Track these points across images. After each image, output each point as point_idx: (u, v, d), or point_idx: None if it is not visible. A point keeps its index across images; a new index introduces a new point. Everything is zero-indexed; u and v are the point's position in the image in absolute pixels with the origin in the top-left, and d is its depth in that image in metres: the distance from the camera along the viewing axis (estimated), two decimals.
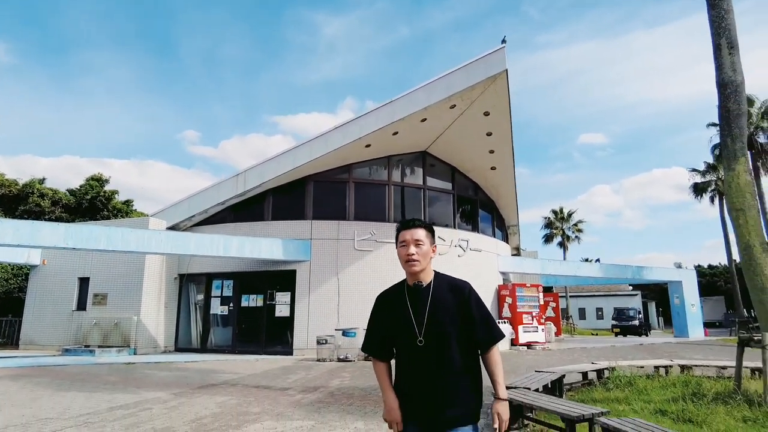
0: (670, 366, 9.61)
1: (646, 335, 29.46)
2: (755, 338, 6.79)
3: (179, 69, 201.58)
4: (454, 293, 2.40)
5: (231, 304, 15.93)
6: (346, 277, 15.24)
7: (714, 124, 27.74)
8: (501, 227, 22.30)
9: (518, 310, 17.65)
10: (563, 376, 7.90)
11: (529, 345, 17.72)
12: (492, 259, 19.11)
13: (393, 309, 2.39)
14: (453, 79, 14.55)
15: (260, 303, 15.67)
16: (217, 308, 16.13)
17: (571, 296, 44.65)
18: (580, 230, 43.22)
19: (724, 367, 9.39)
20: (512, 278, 21.31)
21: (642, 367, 9.48)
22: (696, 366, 9.86)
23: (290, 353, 14.73)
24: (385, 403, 2.31)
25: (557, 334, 24.23)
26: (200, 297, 16.49)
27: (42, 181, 24.51)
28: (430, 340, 2.26)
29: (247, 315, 15.87)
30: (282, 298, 15.37)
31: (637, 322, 30.47)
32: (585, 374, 8.98)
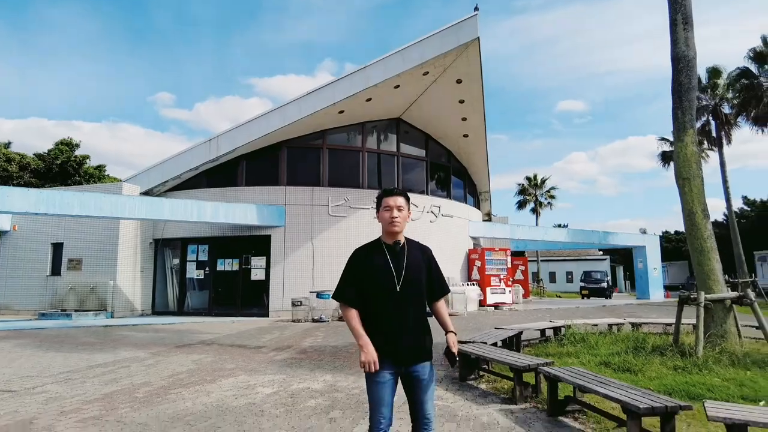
0: (622, 324, 10.32)
1: (610, 297, 30.57)
2: (692, 297, 7.40)
3: (149, 27, 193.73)
4: (422, 253, 2.88)
5: (207, 269, 16.18)
6: (320, 243, 15.59)
7: None
8: (473, 193, 22.80)
9: (487, 272, 18.34)
10: (521, 332, 8.49)
11: (496, 306, 18.51)
12: (463, 225, 19.65)
13: (372, 261, 2.75)
14: (426, 46, 14.63)
15: (236, 267, 15.95)
16: (193, 272, 16.37)
17: (542, 260, 46.00)
18: (552, 197, 44.19)
19: (669, 324, 10.11)
20: (483, 243, 21.96)
21: (596, 325, 10.15)
22: (645, 323, 10.61)
23: (266, 315, 15.15)
24: (362, 345, 2.62)
25: (525, 296, 25.21)
26: (176, 261, 16.68)
27: (7, 145, 23.89)
28: (406, 287, 2.71)
29: (222, 279, 16.17)
30: (257, 263, 15.68)
31: (605, 285, 31.45)
32: (543, 331, 9.62)
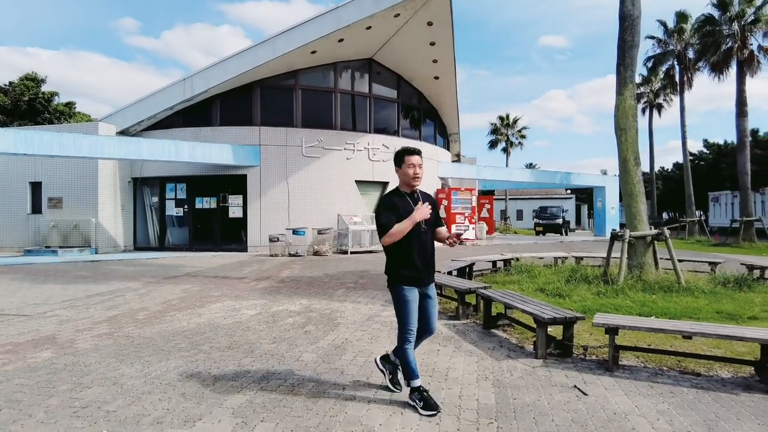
0: (566, 257, 11.61)
1: (566, 234, 31.31)
2: (620, 234, 8.56)
3: None
4: (430, 200, 3.62)
5: (185, 206, 16.84)
6: (295, 182, 16.31)
7: (652, 37, 28.96)
8: (443, 135, 23.54)
9: (452, 211, 19.52)
10: (473, 264, 9.63)
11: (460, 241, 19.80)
12: (432, 166, 20.51)
13: (402, 206, 3.47)
14: None
15: (214, 205, 16.65)
16: (173, 210, 17.02)
17: (510, 199, 47.65)
18: (523, 136, 45.09)
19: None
20: (451, 183, 22.98)
21: (542, 258, 11.41)
22: (588, 257, 11.93)
23: (245, 250, 16.07)
24: (412, 218, 3.35)
25: (489, 232, 26.67)
26: (155, 199, 17.25)
27: None
28: (428, 227, 3.53)
29: (201, 216, 16.89)
30: (234, 201, 16.39)
31: (560, 221, 31.38)
32: (494, 263, 10.82)
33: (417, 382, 3.50)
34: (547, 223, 31.40)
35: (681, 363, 4.53)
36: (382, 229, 3.40)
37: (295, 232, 15.27)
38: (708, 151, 44.80)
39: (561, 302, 7.13)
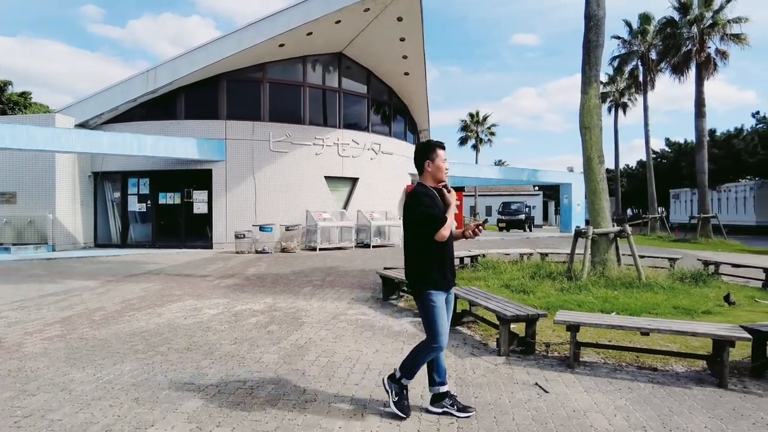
0: (532, 254, 11.77)
1: (530, 230, 31.55)
2: (583, 231, 8.72)
3: None
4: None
5: (149, 202, 16.36)
6: (262, 177, 16.04)
7: (617, 37, 29.62)
8: (413, 131, 23.55)
9: None
10: None
11: None
12: (402, 162, 20.50)
13: (437, 201, 3.24)
14: None
15: (178, 201, 16.23)
16: (135, 205, 16.52)
17: (480, 195, 48.24)
18: (492, 133, 45.67)
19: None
20: None
21: (509, 254, 11.54)
22: (553, 253, 12.11)
23: (210, 247, 15.73)
24: (451, 208, 3.24)
25: (458, 228, 26.83)
26: (117, 195, 16.70)
27: None
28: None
29: (165, 212, 16.44)
30: (199, 196, 16.01)
31: (523, 216, 31.75)
32: (461, 259, 10.87)
33: (445, 388, 3.40)
34: (510, 219, 31.56)
35: (639, 358, 4.62)
36: (435, 222, 3.11)
37: (261, 228, 15.03)
38: (670, 150, 46.25)
39: (525, 298, 7.22)
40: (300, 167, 16.61)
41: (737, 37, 22.08)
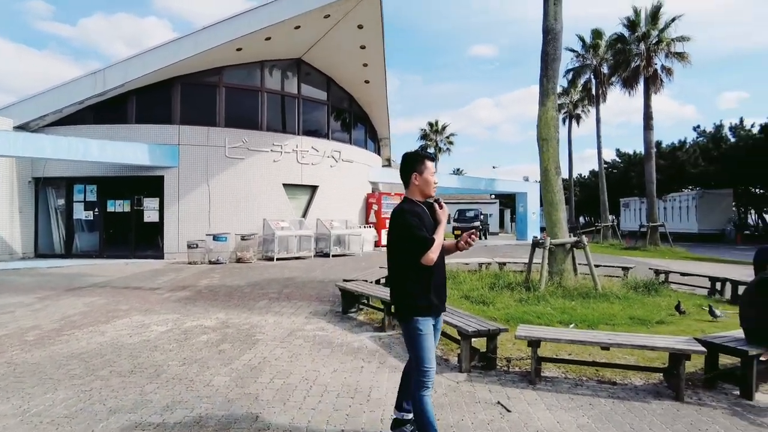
0: (490, 263, 11.83)
1: (485, 237, 31.85)
2: (540, 241, 8.80)
3: None
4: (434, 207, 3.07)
5: (96, 209, 15.54)
6: (217, 185, 15.53)
7: (572, 50, 30.60)
8: (374, 139, 23.49)
9: (383, 216, 19.47)
10: None
11: None
12: (363, 170, 20.38)
13: (424, 216, 2.93)
14: None
15: (127, 208, 15.48)
16: (81, 213, 15.65)
17: None
18: (451, 142, 46.32)
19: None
20: (381, 188, 22.96)
21: (468, 264, 11.55)
22: (511, 262, 12.22)
23: (161, 257, 15.06)
24: (441, 225, 2.95)
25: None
26: (61, 202, 15.77)
27: None
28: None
29: (114, 220, 15.65)
30: (150, 204, 15.33)
31: (478, 224, 31.48)
32: None
33: (410, 415, 3.07)
34: (465, 227, 31.35)
35: (599, 372, 4.62)
36: (423, 244, 2.78)
37: (215, 237, 14.51)
38: (620, 160, 48.11)
39: (485, 310, 7.19)
40: (257, 174, 16.20)
41: (680, 55, 23.19)
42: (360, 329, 6.32)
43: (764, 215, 39.25)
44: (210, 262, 14.27)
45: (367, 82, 19.64)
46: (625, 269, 10.88)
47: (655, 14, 23.39)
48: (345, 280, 7.91)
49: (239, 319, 6.88)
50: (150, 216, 15.36)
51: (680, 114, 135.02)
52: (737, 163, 31.48)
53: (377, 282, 8.20)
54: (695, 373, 4.52)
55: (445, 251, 3.03)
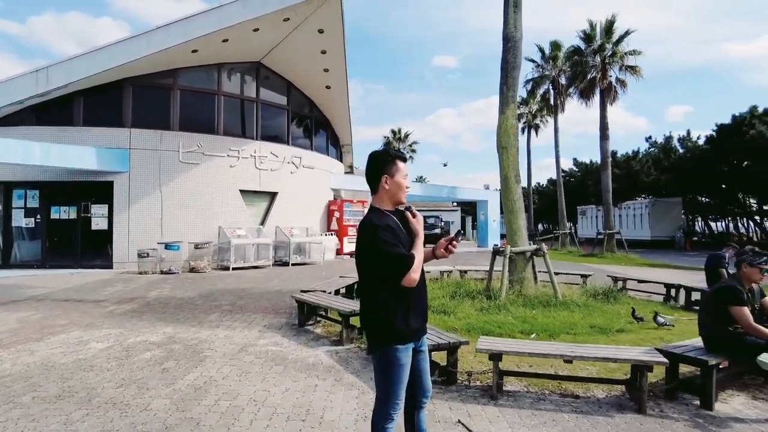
0: (452, 271, 11.73)
1: None
2: (501, 249, 8.73)
3: None
4: (406, 214, 2.60)
5: (38, 216, 14.60)
6: (170, 191, 14.88)
7: (531, 60, 31.23)
8: (336, 145, 23.20)
9: (344, 223, 19.17)
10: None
11: (351, 254, 19.54)
12: (324, 177, 20.05)
13: (402, 234, 2.47)
14: None
15: (73, 215, 14.63)
16: (21, 220, 14.67)
17: None
18: (414, 150, 46.50)
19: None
20: (343, 194, 22.67)
21: (429, 272, 11.39)
22: (471, 270, 12.16)
23: (110, 267, 14.28)
24: (418, 238, 2.49)
25: None
26: None
27: None
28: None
29: (58, 228, 14.74)
30: (98, 211, 14.52)
31: (438, 231, 30.74)
32: None
33: None
34: (426, 234, 31.55)
35: (561, 385, 4.49)
36: (402, 264, 2.34)
37: (167, 246, 13.86)
38: (577, 169, 49.44)
39: (446, 319, 7.03)
40: (213, 180, 15.63)
41: (633, 69, 24.03)
42: (316, 343, 6.03)
43: (710, 223, 41.08)
44: (162, 272, 13.61)
45: (328, 87, 19.36)
46: (584, 276, 10.97)
47: (609, 28, 24.18)
48: (302, 291, 7.59)
49: (187, 333, 6.46)
50: (98, 223, 14.55)
51: (633, 125, 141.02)
52: (686, 174, 32.79)
53: (336, 292, 7.93)
54: (656, 384, 4.47)
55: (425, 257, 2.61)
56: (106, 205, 14.47)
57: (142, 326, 6.88)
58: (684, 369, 4.48)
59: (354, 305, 6.22)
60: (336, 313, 6.45)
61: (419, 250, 2.44)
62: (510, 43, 9.17)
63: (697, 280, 13.62)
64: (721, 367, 4.21)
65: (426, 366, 2.64)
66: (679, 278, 13.51)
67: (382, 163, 2.53)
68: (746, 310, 4.21)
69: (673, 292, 9.70)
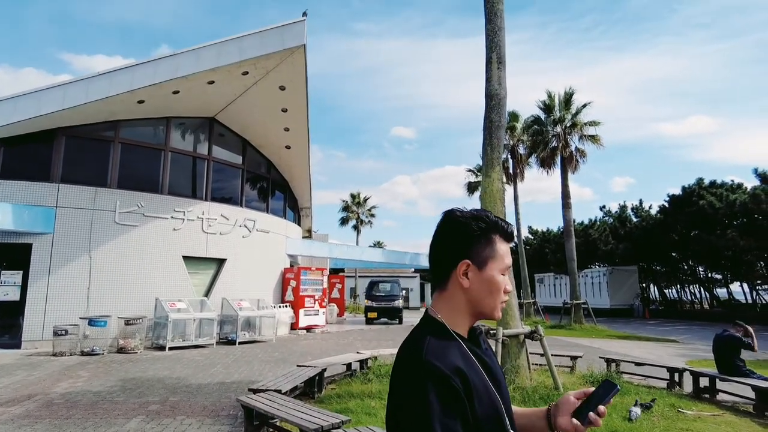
0: None
1: (400, 322, 23.41)
2: (491, 331, 7.43)
3: None
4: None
5: None
6: (101, 256, 12.92)
7: None
8: (294, 208, 21.83)
9: (301, 293, 17.41)
10: (324, 370, 7.68)
11: (308, 329, 17.67)
12: (280, 241, 18.50)
13: (476, 383, 1.13)
14: (246, 43, 13.28)
15: None
16: None
17: (360, 276, 46.96)
18: (372, 215, 45.63)
19: None
20: (301, 261, 21.08)
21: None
22: None
23: (18, 346, 11.92)
24: None
25: (340, 314, 24.98)
26: None
27: None
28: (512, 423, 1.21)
29: None
30: (10, 279, 12.30)
31: (398, 303, 23.75)
32: (349, 365, 8.97)
33: None
34: (383, 308, 23.24)
35: None
36: None
37: (92, 322, 11.74)
38: (533, 237, 49.77)
39: None
40: (152, 245, 13.80)
41: (593, 138, 24.41)
42: None
43: (664, 290, 41.56)
44: (82, 353, 11.42)
45: (288, 147, 18.26)
46: (574, 358, 9.77)
47: (568, 100, 24.70)
48: (251, 390, 5.95)
49: None
50: (8, 294, 12.28)
51: (580, 195, 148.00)
52: (640, 242, 33.28)
53: (293, 391, 6.31)
54: None
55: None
56: (21, 272, 12.31)
57: None
58: None
59: (320, 419, 4.66)
60: (296, 429, 4.85)
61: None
62: (494, 100, 8.38)
63: (680, 354, 12.76)
64: None
65: None
66: (663, 354, 12.59)
67: (466, 239, 1.24)
68: None
69: (676, 376, 8.60)
